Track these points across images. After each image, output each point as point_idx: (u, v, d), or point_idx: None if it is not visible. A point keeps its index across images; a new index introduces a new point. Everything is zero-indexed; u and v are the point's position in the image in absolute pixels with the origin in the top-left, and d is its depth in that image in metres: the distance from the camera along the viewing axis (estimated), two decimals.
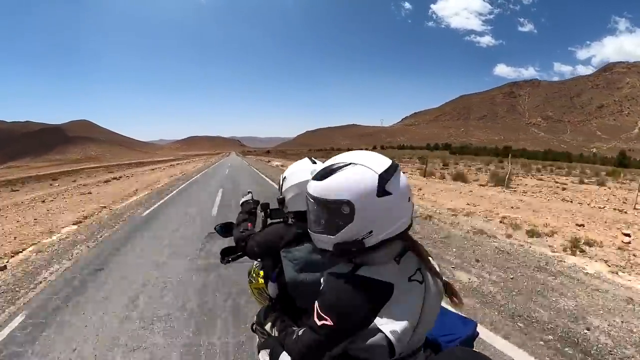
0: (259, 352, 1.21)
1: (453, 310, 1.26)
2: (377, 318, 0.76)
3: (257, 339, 1.43)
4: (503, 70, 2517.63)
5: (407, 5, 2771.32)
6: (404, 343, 0.78)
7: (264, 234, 1.31)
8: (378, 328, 0.76)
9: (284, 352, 0.95)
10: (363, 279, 0.79)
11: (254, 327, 1.46)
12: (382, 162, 0.81)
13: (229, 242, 1.53)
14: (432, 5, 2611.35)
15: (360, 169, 0.79)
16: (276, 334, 1.25)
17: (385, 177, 0.78)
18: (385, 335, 0.75)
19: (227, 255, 1.56)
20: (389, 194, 0.78)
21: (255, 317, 1.48)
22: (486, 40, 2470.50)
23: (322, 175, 0.83)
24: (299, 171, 1.26)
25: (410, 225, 0.84)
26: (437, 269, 0.88)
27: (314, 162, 1.26)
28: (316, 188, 0.83)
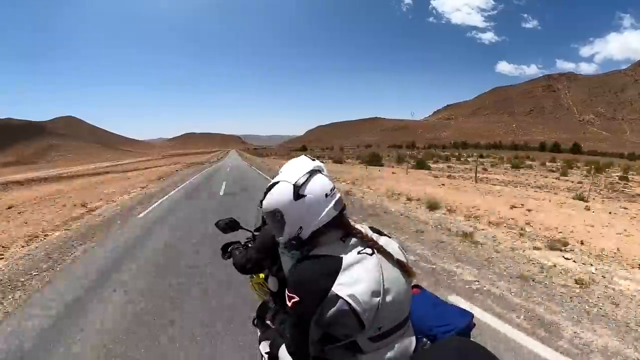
0: (259, 343, 1.34)
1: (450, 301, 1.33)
2: (334, 286, 0.86)
3: (258, 332, 1.51)
4: (505, 68, 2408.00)
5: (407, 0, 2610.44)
6: (368, 309, 0.84)
7: (259, 239, 1.40)
8: (336, 294, 0.84)
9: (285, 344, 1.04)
10: (313, 255, 0.96)
11: (254, 321, 1.58)
12: (299, 173, 1.00)
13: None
14: (432, 1, 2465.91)
15: (281, 185, 1.00)
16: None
17: (299, 185, 0.97)
18: (345, 300, 0.83)
19: (228, 250, 1.71)
20: (304, 196, 0.96)
21: (256, 311, 1.60)
22: (488, 36, 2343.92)
23: (265, 194, 1.04)
24: (302, 170, 1.23)
25: (341, 211, 1.00)
26: (392, 247, 1.00)
27: (313, 160, 1.24)
28: (264, 204, 1.04)
